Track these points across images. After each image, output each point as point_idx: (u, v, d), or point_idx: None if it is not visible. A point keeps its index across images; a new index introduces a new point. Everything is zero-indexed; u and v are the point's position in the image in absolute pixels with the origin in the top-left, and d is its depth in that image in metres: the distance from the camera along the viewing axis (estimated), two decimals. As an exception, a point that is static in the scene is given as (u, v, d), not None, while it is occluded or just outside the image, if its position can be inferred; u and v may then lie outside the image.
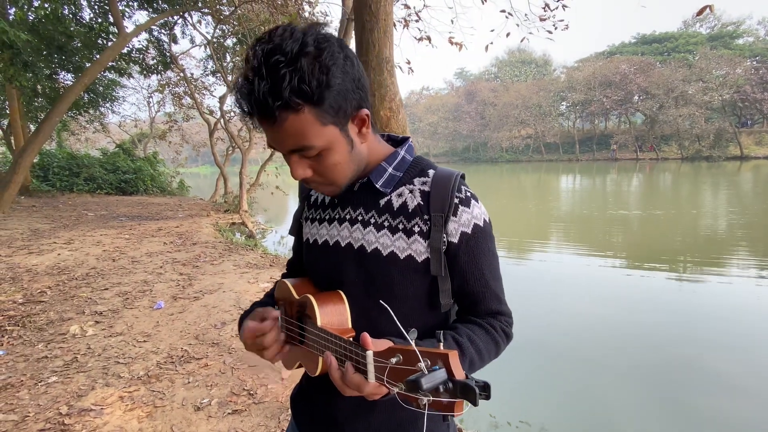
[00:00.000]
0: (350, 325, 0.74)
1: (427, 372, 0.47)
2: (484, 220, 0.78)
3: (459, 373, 0.47)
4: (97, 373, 2.82)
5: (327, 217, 0.85)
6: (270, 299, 0.94)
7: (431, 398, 0.47)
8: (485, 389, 0.45)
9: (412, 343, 0.50)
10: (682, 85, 35.56)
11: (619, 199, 15.56)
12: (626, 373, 3.62)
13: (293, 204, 17.27)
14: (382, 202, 0.79)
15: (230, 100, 12.58)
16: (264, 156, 13.95)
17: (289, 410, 0.94)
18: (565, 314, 4.92)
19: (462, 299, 0.80)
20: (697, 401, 3.20)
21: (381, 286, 0.76)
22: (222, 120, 12.65)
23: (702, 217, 10.79)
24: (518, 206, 14.18)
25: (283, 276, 1.03)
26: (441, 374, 0.46)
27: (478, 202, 0.78)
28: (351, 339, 0.63)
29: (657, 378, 3.53)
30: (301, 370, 0.86)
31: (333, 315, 0.73)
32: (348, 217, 0.81)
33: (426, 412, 0.47)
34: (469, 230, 0.76)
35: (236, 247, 6.84)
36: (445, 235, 0.75)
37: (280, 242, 9.36)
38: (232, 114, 14.22)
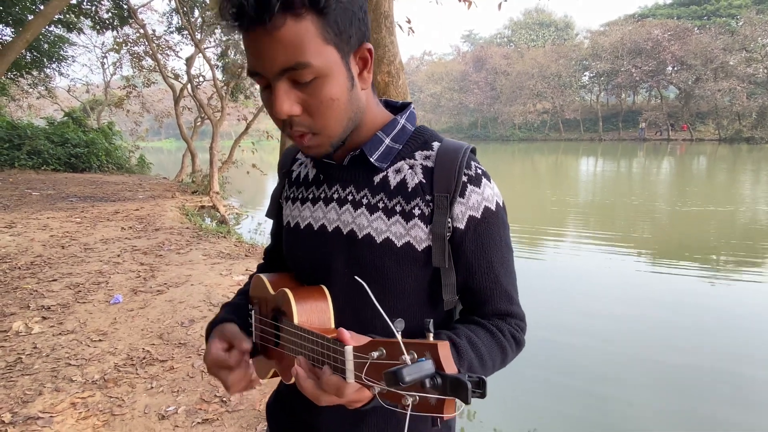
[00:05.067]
0: (333, 325, 0.73)
1: (417, 359, 0.46)
2: (497, 204, 0.77)
3: (450, 367, 0.46)
4: (45, 376, 2.82)
5: (311, 196, 0.84)
6: (244, 298, 0.93)
7: (416, 397, 0.46)
8: (480, 386, 0.44)
9: (398, 334, 0.49)
10: (723, 54, 35.55)
11: (647, 185, 15.69)
12: (651, 386, 3.68)
13: (271, 187, 16.93)
14: (377, 179, 0.77)
15: (199, 62, 12.42)
16: (238, 129, 13.85)
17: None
18: (581, 316, 4.99)
19: (466, 296, 0.78)
20: (737, 420, 3.22)
21: (373, 279, 0.74)
22: (189, 86, 12.49)
23: (741, 208, 10.92)
24: (531, 192, 14.26)
25: (260, 267, 1.03)
26: (427, 366, 0.45)
27: (490, 181, 0.77)
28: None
29: (688, 392, 3.57)
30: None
31: (313, 313, 0.73)
32: (336, 196, 0.80)
33: (410, 413, 0.46)
34: (478, 214, 0.74)
35: (206, 234, 6.85)
36: (450, 220, 0.74)
37: (257, 229, 9.35)
38: (202, 79, 14.09)
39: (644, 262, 6.91)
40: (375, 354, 0.51)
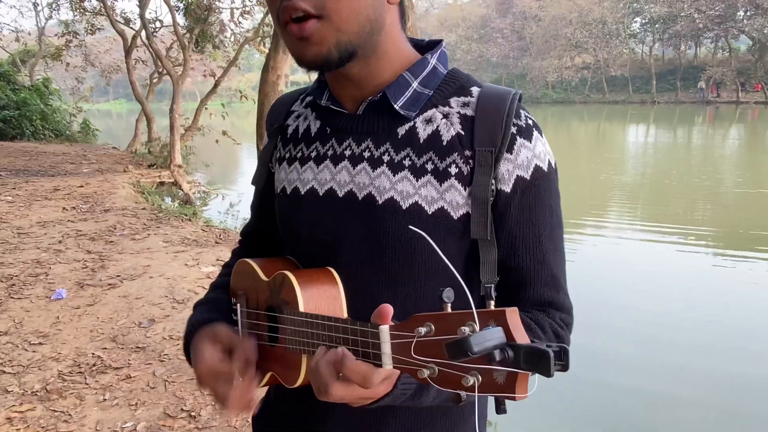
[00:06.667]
0: (345, 314, 0.74)
1: (475, 332, 0.46)
2: (549, 164, 0.77)
3: (521, 336, 0.47)
4: (-26, 385, 2.86)
5: (314, 154, 0.83)
6: (222, 293, 0.93)
7: (478, 377, 0.47)
8: (561, 356, 0.44)
9: (448, 305, 0.50)
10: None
11: (710, 160, 15.65)
12: (708, 402, 3.71)
13: (247, 159, 17.12)
14: (402, 131, 0.77)
15: (155, 3, 12.30)
16: (205, 88, 13.80)
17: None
18: (624, 313, 5.03)
19: (504, 278, 0.79)
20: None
21: (396, 256, 0.75)
22: (143, 33, 12.38)
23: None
24: (567, 167, 14.19)
25: (236, 253, 1.02)
26: (497, 333, 0.45)
27: (542, 135, 0.78)
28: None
29: (755, 408, 3.61)
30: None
31: (321, 299, 0.73)
32: (349, 153, 0.80)
33: (475, 395, 0.48)
34: (527, 174, 0.75)
35: (167, 217, 6.87)
36: (493, 181, 0.74)
37: (228, 211, 9.37)
38: (159, 24, 13.94)
39: (703, 254, 6.93)
40: (422, 330, 0.51)
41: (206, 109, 12.06)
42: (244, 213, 8.09)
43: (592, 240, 7.50)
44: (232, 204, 10.02)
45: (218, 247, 5.56)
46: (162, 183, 10.45)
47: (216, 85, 12.19)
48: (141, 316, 3.80)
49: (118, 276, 4.57)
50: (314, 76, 0.85)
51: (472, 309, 0.48)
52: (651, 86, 44.38)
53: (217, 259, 5.09)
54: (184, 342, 0.87)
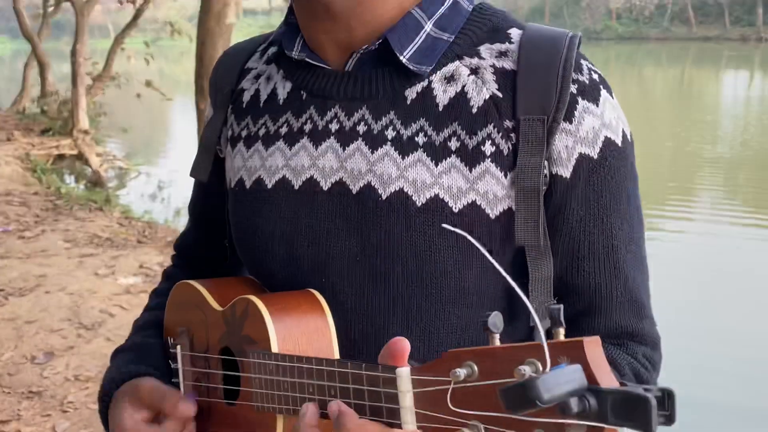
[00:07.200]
0: (336, 353, 0.74)
1: (542, 371, 0.45)
2: (624, 134, 0.80)
3: (605, 376, 0.46)
4: None
5: (285, 130, 0.85)
6: (153, 333, 0.93)
7: None
8: (665, 402, 0.43)
9: (497, 337, 0.50)
10: None
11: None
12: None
13: (181, 121, 16.76)
14: (413, 93, 0.78)
15: None
16: (121, 19, 13.68)
17: None
18: (719, 338, 5.06)
19: (564, 298, 0.79)
20: None
21: (409, 271, 0.75)
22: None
23: None
24: (639, 134, 14.04)
25: (168, 276, 1.03)
26: (574, 373, 0.44)
27: (612, 95, 0.79)
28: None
29: None
30: None
31: (302, 334, 0.73)
32: (336, 127, 0.81)
33: None
34: (594, 151, 0.75)
35: (69, 205, 6.81)
36: (546, 163, 0.74)
37: (156, 196, 9.31)
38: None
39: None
40: (461, 373, 0.50)
41: (123, 49, 11.96)
42: (178, 199, 8.03)
43: (673, 236, 7.53)
44: (161, 186, 9.94)
45: (141, 249, 5.53)
46: (61, 156, 10.40)
47: (137, 16, 12.05)
48: (34, 347, 3.77)
49: (1, 291, 4.53)
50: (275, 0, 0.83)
51: (541, 339, 0.47)
52: (756, 16, 44.28)
53: (141, 266, 5.04)
54: (100, 405, 0.86)
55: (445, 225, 0.67)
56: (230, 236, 0.91)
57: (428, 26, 0.77)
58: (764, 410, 4.28)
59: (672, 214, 8.36)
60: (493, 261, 0.53)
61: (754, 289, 6.04)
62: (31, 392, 3.33)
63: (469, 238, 0.56)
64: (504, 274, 0.51)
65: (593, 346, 0.47)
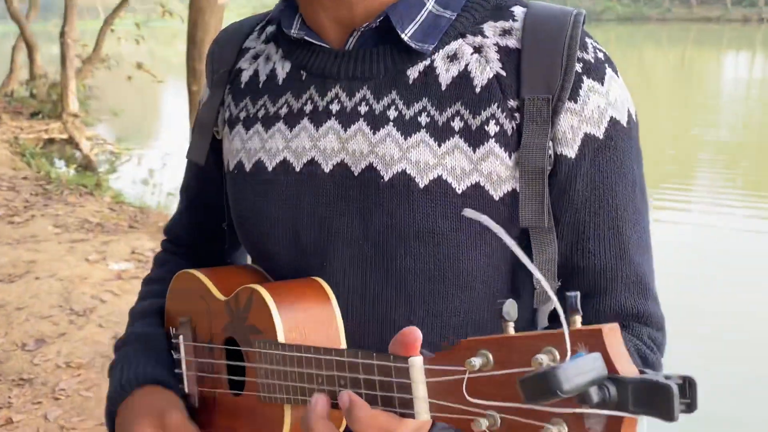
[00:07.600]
0: (343, 342, 0.76)
1: (561, 360, 0.46)
2: (629, 114, 0.80)
3: (625, 364, 0.46)
4: None
5: (285, 111, 0.85)
6: (155, 321, 0.94)
7: (565, 427, 0.47)
8: (686, 390, 0.44)
9: (510, 326, 0.51)
10: None
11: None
12: None
13: (173, 104, 16.90)
14: (415, 72, 0.79)
15: None
16: (110, 0, 13.67)
17: None
18: (720, 326, 5.07)
19: (567, 282, 0.80)
20: None
21: (412, 255, 0.76)
22: None
23: None
24: (639, 116, 14.28)
25: (160, 262, 1.05)
26: (593, 362, 0.44)
27: (617, 74, 0.79)
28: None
29: None
30: None
31: (309, 324, 0.75)
32: (337, 107, 0.81)
33: None
34: (600, 131, 0.77)
35: (59, 190, 6.91)
36: (551, 143, 0.75)
37: (148, 181, 9.30)
38: None
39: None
40: (476, 362, 0.51)
41: (113, 31, 12.07)
42: (170, 184, 8.03)
43: (673, 221, 7.58)
44: (153, 170, 9.93)
45: (133, 234, 5.60)
46: (51, 140, 10.52)
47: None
48: (25, 334, 3.79)
49: (-11, 276, 4.57)
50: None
51: (563, 326, 0.47)
52: (754, -3, 44.60)
53: (132, 252, 5.11)
54: (108, 409, 0.87)
55: (467, 210, 0.65)
56: (229, 219, 0.92)
57: (430, 3, 0.81)
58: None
59: (671, 199, 8.51)
60: (516, 247, 0.53)
61: (756, 279, 6.07)
62: (22, 379, 3.36)
63: (491, 223, 0.55)
64: (526, 261, 0.52)
65: (613, 334, 0.47)
